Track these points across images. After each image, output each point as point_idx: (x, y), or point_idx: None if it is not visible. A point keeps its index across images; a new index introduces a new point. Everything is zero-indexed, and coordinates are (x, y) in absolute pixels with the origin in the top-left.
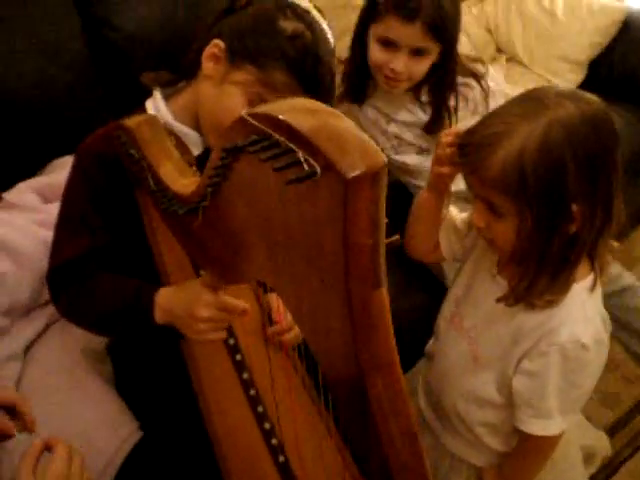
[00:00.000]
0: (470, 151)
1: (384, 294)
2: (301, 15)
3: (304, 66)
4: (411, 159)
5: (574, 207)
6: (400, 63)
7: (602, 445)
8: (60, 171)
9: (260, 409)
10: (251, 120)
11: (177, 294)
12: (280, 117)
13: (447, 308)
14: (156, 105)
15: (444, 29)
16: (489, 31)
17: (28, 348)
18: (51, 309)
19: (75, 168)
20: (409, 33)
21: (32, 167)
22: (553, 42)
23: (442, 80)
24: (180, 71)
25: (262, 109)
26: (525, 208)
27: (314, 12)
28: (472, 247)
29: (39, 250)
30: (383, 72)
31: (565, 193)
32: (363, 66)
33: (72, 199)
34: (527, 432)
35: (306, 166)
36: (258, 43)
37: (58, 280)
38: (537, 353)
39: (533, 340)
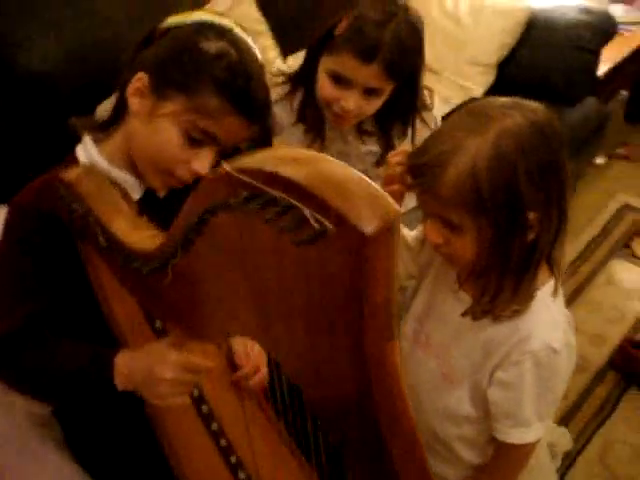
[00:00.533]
0: (421, 172)
1: (397, 345)
2: (223, 33)
3: (234, 85)
4: None
5: (530, 215)
6: (351, 102)
7: (564, 441)
8: None
9: (233, 459)
10: (238, 175)
11: (137, 357)
12: (272, 170)
13: (409, 327)
14: (87, 151)
15: (402, 68)
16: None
17: None
18: None
19: (9, 227)
20: (365, 74)
21: None
22: (461, 46)
23: (394, 114)
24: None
25: (245, 163)
26: (483, 221)
27: (236, 29)
28: (428, 264)
29: None
30: (332, 108)
31: (521, 202)
32: (312, 97)
33: (9, 261)
34: (507, 442)
35: (314, 223)
36: (182, 69)
37: (2, 349)
38: (510, 363)
39: (504, 351)
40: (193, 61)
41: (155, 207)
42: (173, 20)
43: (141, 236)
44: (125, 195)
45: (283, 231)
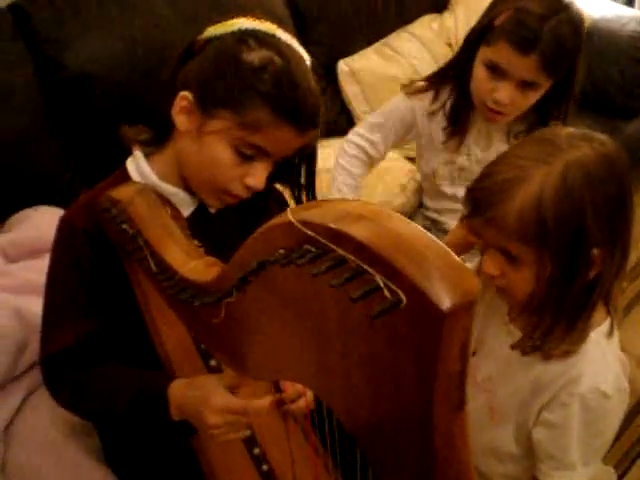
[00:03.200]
0: (480, 200)
1: (466, 414)
2: (265, 40)
3: (282, 96)
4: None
5: (595, 252)
6: (505, 94)
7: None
8: (21, 227)
9: None
10: (304, 229)
11: (189, 391)
12: (341, 229)
13: None
14: (138, 166)
15: (561, 64)
16: (450, 45)
17: (7, 426)
18: (27, 381)
19: (58, 246)
20: (521, 65)
21: None
22: None
23: (551, 114)
24: (156, 127)
25: (311, 215)
26: (545, 255)
27: (278, 32)
28: (480, 297)
29: (10, 319)
30: (485, 102)
31: (586, 237)
32: (465, 91)
33: (59, 281)
34: None
35: (387, 292)
36: (226, 85)
37: (54, 370)
38: (558, 404)
39: (553, 391)
40: (236, 75)
41: (207, 221)
42: (212, 30)
43: (194, 265)
44: (176, 214)
45: (356, 300)
